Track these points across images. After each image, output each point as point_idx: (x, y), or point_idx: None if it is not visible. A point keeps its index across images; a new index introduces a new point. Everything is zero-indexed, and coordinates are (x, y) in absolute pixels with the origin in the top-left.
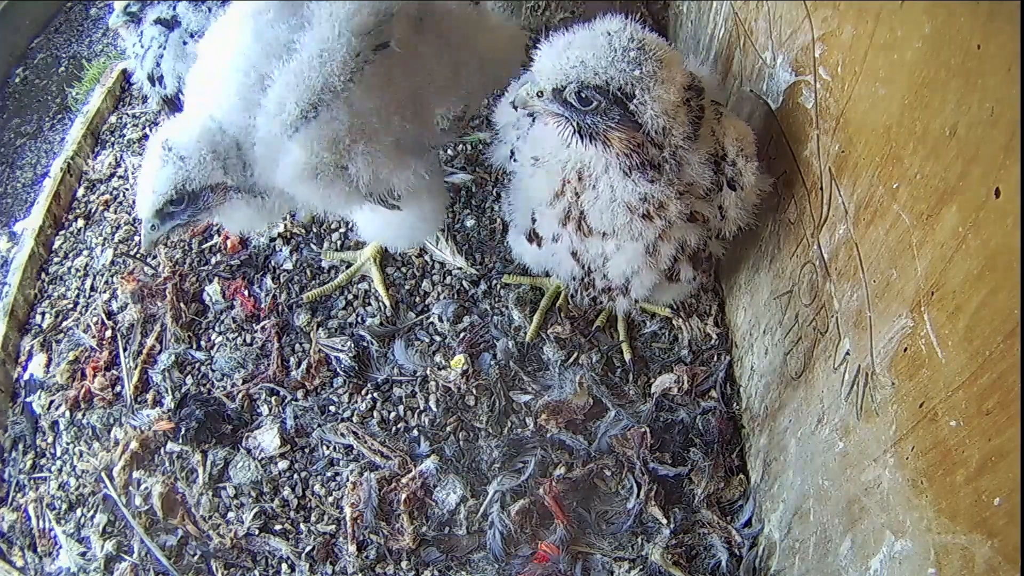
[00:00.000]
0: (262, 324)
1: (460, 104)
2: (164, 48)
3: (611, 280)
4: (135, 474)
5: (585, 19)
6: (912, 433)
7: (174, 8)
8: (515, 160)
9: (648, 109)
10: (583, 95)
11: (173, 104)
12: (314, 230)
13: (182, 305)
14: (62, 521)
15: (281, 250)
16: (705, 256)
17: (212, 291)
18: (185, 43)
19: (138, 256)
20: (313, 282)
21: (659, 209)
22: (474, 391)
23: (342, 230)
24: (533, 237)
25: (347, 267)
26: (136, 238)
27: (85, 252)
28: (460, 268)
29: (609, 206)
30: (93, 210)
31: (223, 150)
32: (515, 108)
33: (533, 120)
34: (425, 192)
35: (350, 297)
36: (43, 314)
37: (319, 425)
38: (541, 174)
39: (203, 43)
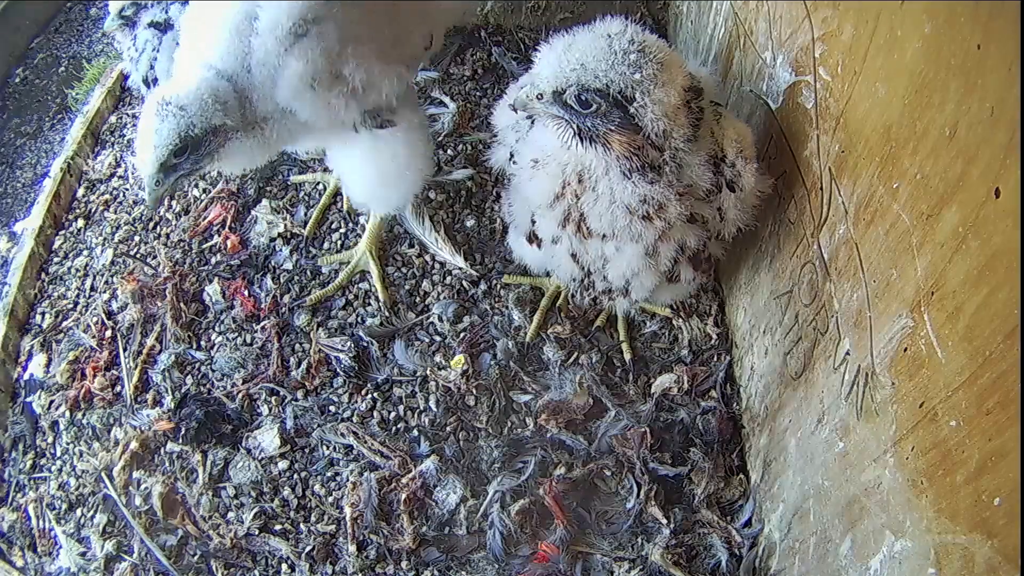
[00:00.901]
0: (262, 324)
1: (428, 32)
2: (157, 51)
3: (611, 281)
4: (135, 474)
5: (585, 20)
6: (912, 433)
7: (167, 11)
8: (514, 162)
9: (648, 112)
10: (583, 98)
11: None
12: (314, 230)
13: (182, 305)
14: (62, 521)
15: (281, 250)
16: (705, 257)
17: (212, 291)
18: (178, 44)
19: (138, 256)
20: (313, 282)
21: (659, 211)
22: (474, 391)
23: (342, 230)
24: (533, 239)
25: (346, 266)
26: (136, 238)
27: (85, 252)
28: (460, 268)
29: (609, 208)
30: (93, 210)
31: (222, 93)
32: (515, 110)
33: (532, 122)
34: (410, 113)
35: (350, 297)
36: (43, 314)
37: (319, 425)
38: (541, 176)
39: (185, 17)
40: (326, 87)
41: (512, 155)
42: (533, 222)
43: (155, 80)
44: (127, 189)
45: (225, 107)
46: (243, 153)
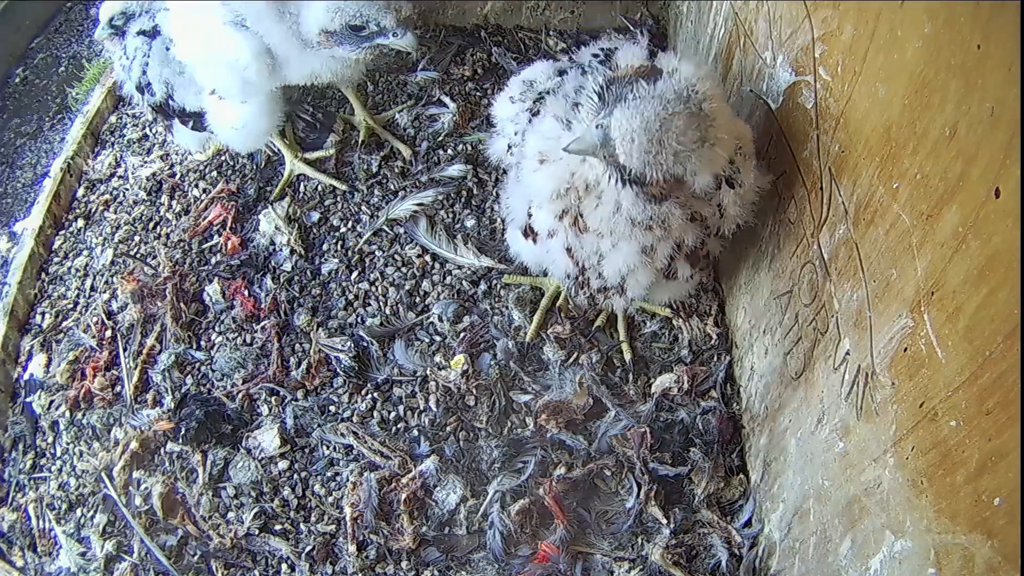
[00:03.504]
0: (262, 324)
1: None
2: (148, 57)
3: (607, 279)
4: (135, 474)
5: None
6: (912, 433)
7: (154, 18)
8: (511, 154)
9: (699, 179)
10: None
11: (163, 111)
12: (314, 231)
13: (182, 305)
14: (62, 521)
15: (281, 250)
16: (703, 254)
17: (212, 291)
18: (168, 48)
19: (138, 256)
20: (313, 282)
21: (662, 223)
22: (474, 391)
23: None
24: (529, 232)
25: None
26: (136, 238)
27: (85, 252)
28: (461, 268)
29: (612, 217)
30: (93, 210)
31: None
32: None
33: (532, 117)
34: None
35: (350, 297)
36: (43, 314)
37: (319, 425)
38: (544, 172)
39: None
40: None
41: (510, 147)
42: (530, 215)
43: (148, 86)
44: (127, 189)
45: None
46: None
